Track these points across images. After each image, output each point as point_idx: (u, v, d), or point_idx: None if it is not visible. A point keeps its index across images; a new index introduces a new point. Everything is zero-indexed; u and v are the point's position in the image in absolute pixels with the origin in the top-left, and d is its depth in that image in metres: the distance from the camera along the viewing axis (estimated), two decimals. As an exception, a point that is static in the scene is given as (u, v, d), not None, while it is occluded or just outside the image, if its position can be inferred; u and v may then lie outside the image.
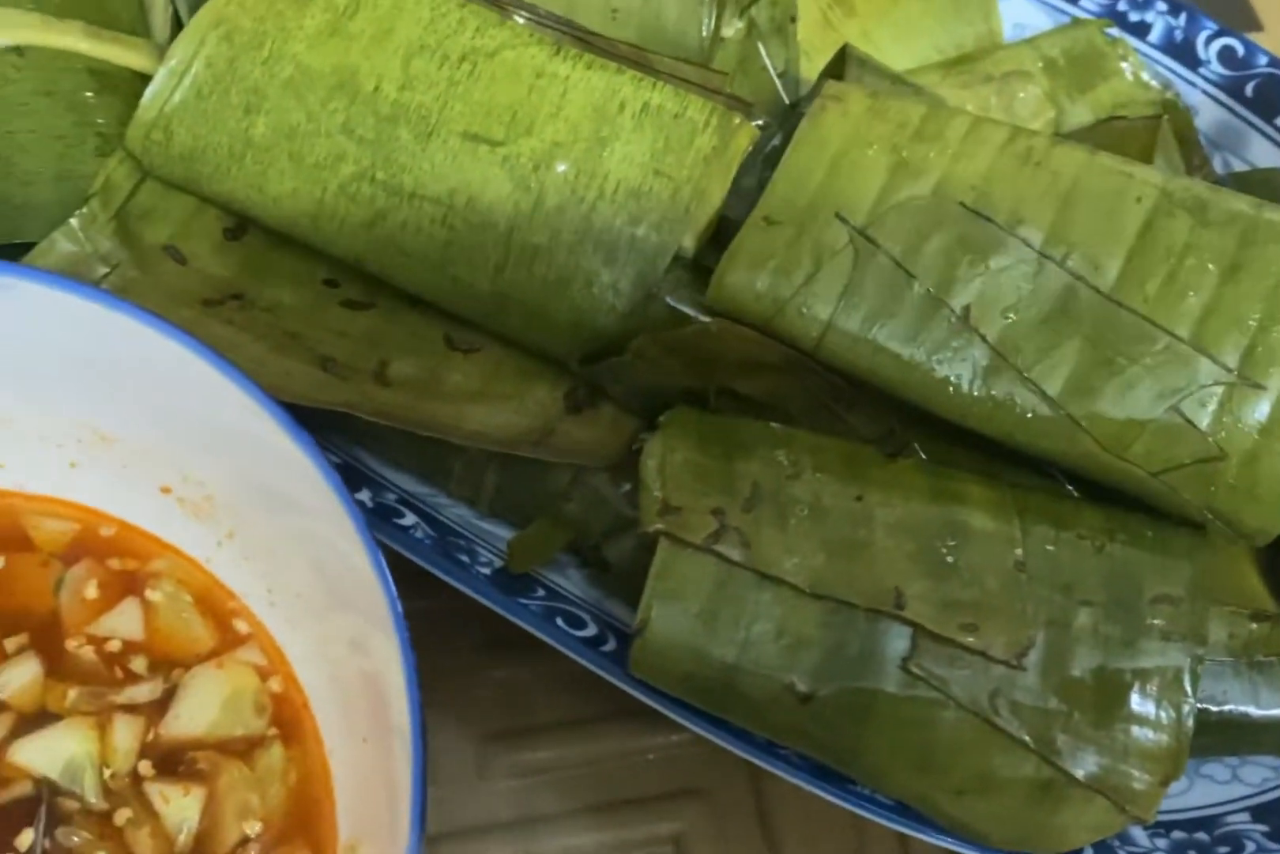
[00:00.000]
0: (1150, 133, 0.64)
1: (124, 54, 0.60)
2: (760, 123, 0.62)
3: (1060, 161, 0.53)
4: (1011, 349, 0.51)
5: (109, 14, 0.61)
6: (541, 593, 0.54)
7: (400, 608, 0.42)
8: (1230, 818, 0.52)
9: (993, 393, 0.51)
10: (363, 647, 0.47)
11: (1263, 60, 0.70)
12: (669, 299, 0.54)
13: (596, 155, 0.55)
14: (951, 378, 0.51)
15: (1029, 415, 0.51)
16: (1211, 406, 0.49)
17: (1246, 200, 0.52)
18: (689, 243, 0.55)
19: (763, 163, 0.59)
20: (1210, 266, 0.51)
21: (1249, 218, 0.52)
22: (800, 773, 0.50)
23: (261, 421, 0.45)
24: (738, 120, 0.56)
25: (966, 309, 0.51)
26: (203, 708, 0.52)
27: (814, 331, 0.52)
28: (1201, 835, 0.51)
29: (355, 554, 0.44)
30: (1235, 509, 0.50)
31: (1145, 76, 0.69)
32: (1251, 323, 0.50)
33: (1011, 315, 0.51)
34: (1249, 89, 0.69)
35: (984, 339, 0.51)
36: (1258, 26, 0.85)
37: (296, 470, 0.45)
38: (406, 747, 0.42)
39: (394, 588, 0.43)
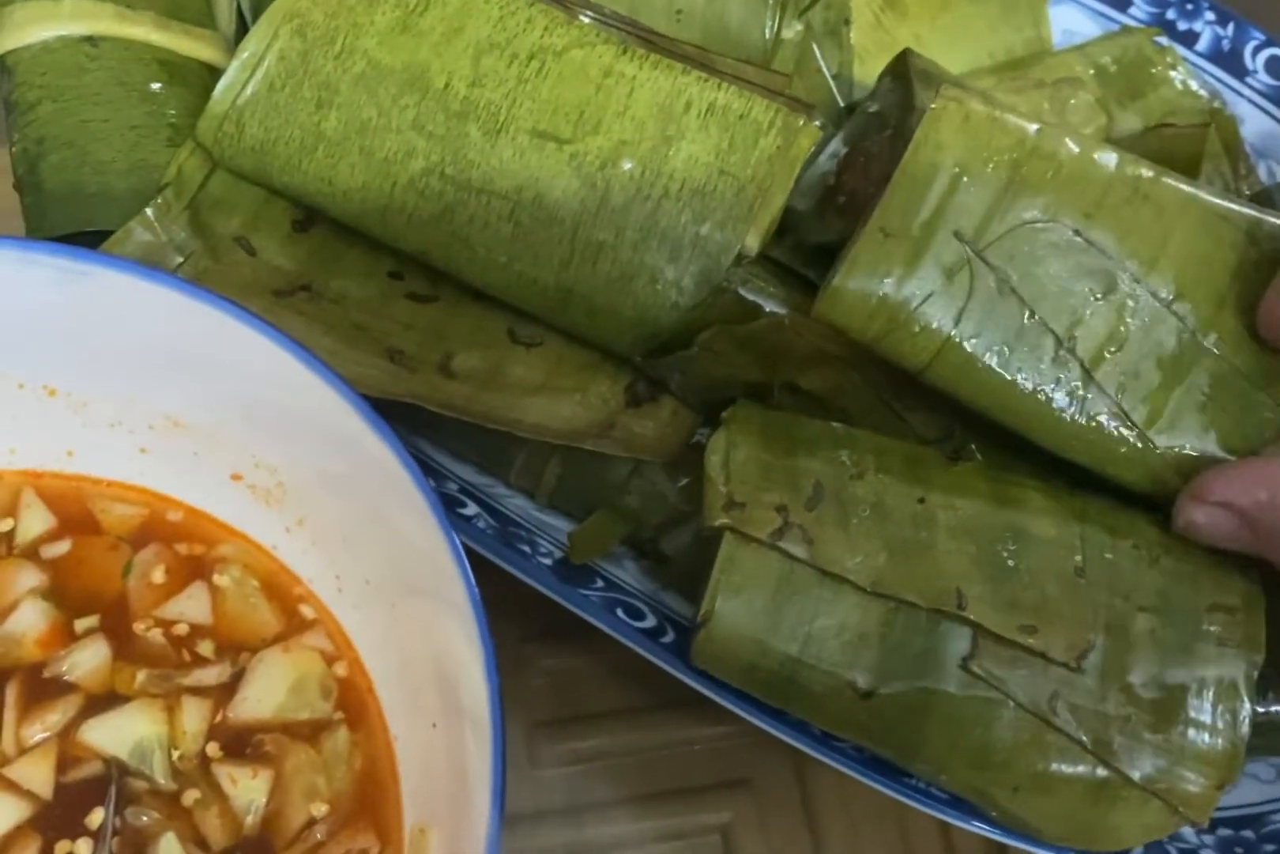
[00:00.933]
0: (1198, 141, 0.65)
1: (193, 45, 0.60)
2: (819, 123, 0.63)
3: (1164, 195, 0.53)
4: (1114, 384, 0.52)
5: (177, 5, 0.62)
6: (601, 584, 0.55)
7: (478, 594, 0.43)
8: (1275, 817, 0.53)
9: (1092, 425, 0.52)
10: (434, 632, 0.48)
11: (1309, 70, 0.71)
12: (742, 291, 0.54)
13: (662, 154, 0.56)
14: (1056, 409, 0.52)
15: (1123, 449, 0.52)
16: None
17: None
18: (752, 241, 0.56)
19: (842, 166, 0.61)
20: None
21: None
22: (856, 765, 0.51)
23: (341, 411, 0.46)
24: (802, 122, 0.57)
25: (1074, 340, 0.52)
26: (269, 691, 0.52)
27: (927, 353, 0.52)
28: (1248, 833, 0.52)
29: (430, 541, 0.44)
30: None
31: (1194, 85, 0.70)
32: None
33: (1114, 350, 0.52)
34: (1295, 97, 0.70)
35: (1089, 372, 0.51)
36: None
37: (373, 459, 0.46)
38: (483, 732, 0.42)
39: (471, 574, 0.43)
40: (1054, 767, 0.49)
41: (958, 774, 0.49)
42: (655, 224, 0.55)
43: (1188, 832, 0.51)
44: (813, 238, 0.59)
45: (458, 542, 0.44)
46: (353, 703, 0.53)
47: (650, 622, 0.54)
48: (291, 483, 0.53)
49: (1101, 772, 0.48)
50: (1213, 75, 0.72)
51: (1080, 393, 0.51)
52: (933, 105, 0.53)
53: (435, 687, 0.49)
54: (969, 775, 0.49)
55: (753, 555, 0.51)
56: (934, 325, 0.52)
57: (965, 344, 0.52)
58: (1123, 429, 0.51)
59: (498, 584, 0.55)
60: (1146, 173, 0.54)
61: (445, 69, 0.56)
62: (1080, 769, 0.48)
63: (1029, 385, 0.52)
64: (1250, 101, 0.71)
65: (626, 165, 0.56)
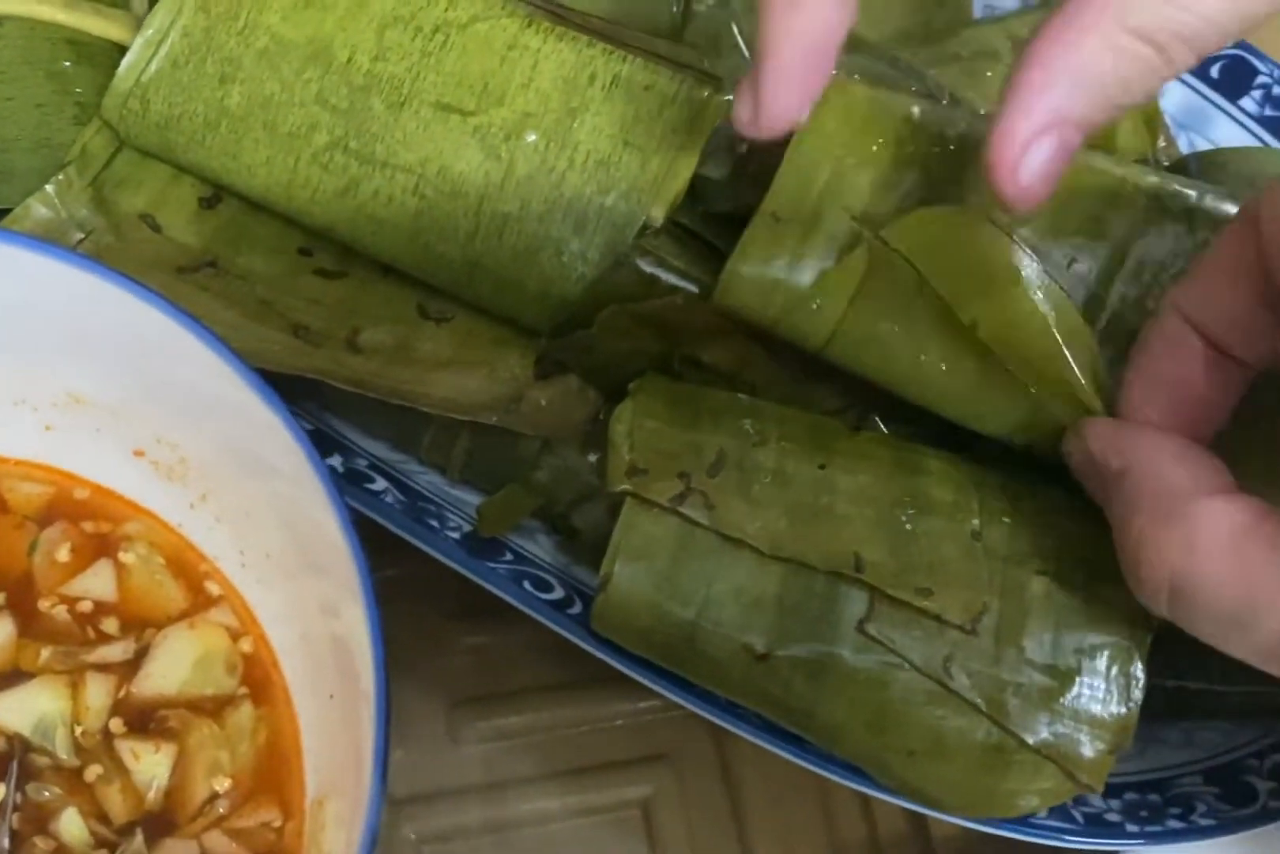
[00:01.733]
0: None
1: (102, 25, 0.60)
2: (729, 96, 0.63)
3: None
4: None
5: (87, -15, 0.61)
6: (510, 557, 0.55)
7: (368, 570, 0.43)
8: (1183, 780, 0.53)
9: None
10: (332, 608, 0.48)
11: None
12: (640, 263, 0.54)
13: (566, 126, 0.56)
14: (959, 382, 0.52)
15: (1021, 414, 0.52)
16: None
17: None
18: (658, 212, 0.56)
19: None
20: None
21: None
22: (760, 732, 0.51)
23: (234, 386, 0.46)
24: (707, 93, 0.57)
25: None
26: (174, 667, 0.52)
27: (824, 331, 0.52)
28: (1154, 797, 0.52)
29: (325, 518, 0.44)
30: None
31: (1113, 56, 0.70)
32: None
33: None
34: (1214, 70, 0.70)
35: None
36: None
37: (269, 434, 0.46)
38: (370, 707, 0.42)
39: (362, 551, 0.43)
40: (949, 729, 0.48)
41: (854, 739, 0.49)
42: (560, 196, 0.55)
43: (1095, 796, 0.51)
44: (724, 205, 0.58)
45: (348, 516, 0.44)
46: (257, 678, 0.53)
47: (558, 594, 0.54)
48: (194, 458, 0.53)
49: (996, 735, 0.48)
50: (1134, 48, 0.72)
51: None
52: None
53: (334, 660, 0.49)
54: (865, 739, 0.49)
55: (653, 520, 0.51)
56: (830, 304, 0.52)
57: (862, 321, 0.52)
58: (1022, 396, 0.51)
59: (419, 563, 0.55)
60: None
61: (349, 43, 0.56)
62: (976, 733, 0.48)
63: (934, 360, 0.52)
64: (1171, 73, 0.71)
65: (531, 137, 0.56)
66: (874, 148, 0.53)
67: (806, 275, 0.52)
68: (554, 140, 0.56)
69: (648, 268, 0.54)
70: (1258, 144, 0.69)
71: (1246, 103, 0.70)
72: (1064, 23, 0.41)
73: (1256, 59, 0.70)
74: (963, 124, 0.53)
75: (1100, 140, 0.66)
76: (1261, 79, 0.70)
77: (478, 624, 0.65)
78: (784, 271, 0.52)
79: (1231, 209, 0.52)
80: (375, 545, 0.54)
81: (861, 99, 0.53)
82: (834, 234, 0.52)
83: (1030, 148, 0.41)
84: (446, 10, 0.57)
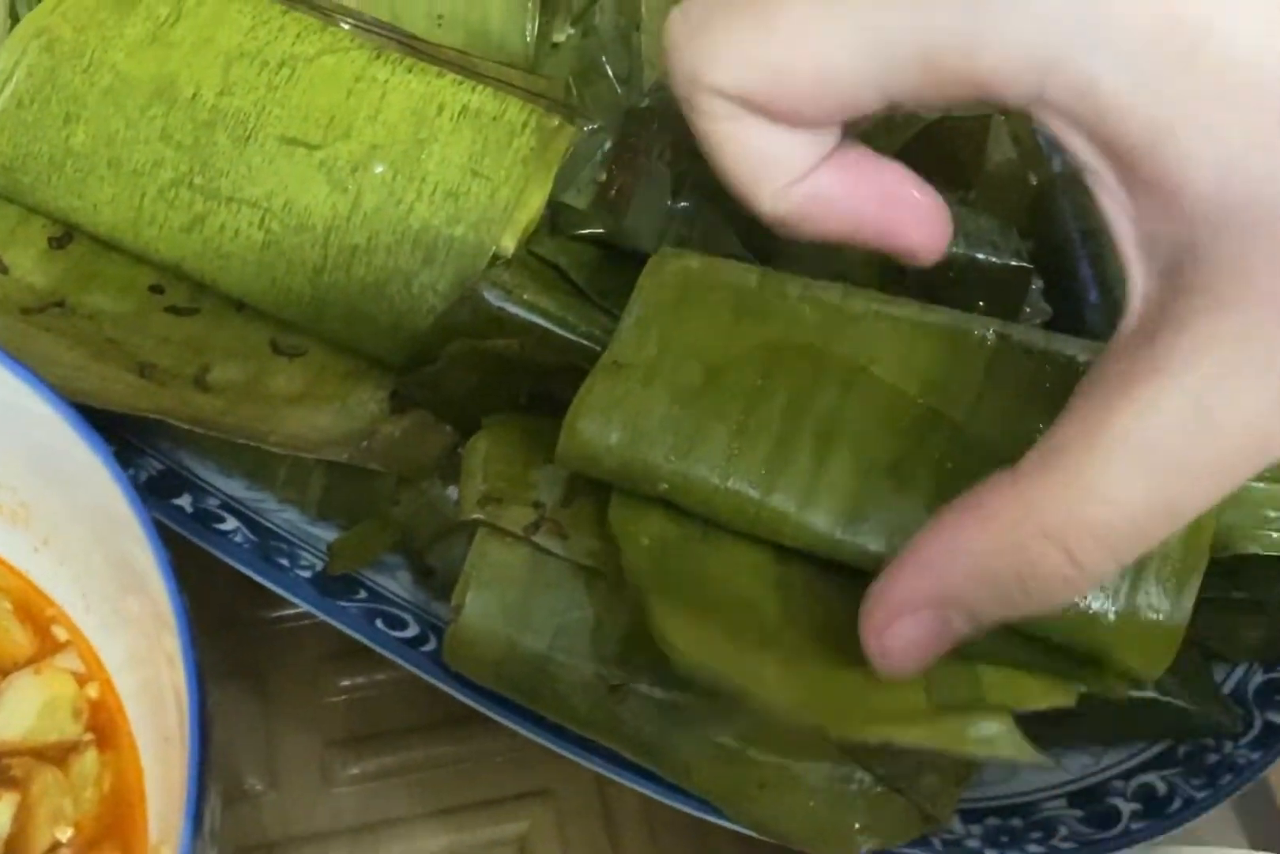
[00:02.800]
0: (982, 133, 0.65)
1: (-48, 66, 0.59)
2: (595, 126, 0.63)
3: (899, 310, 0.51)
4: (868, 488, 0.48)
5: (-60, 27, 0.61)
6: (363, 595, 0.54)
7: (184, 608, 0.42)
8: (1047, 804, 0.53)
9: (855, 539, 0.47)
10: (165, 650, 0.47)
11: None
12: (487, 296, 0.54)
13: (414, 157, 0.55)
14: (810, 522, 0.48)
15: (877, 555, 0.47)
16: None
17: (1080, 344, 0.51)
18: (508, 242, 0.55)
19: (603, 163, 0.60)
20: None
21: (1086, 361, 0.50)
22: (614, 768, 0.50)
23: (55, 425, 0.45)
24: (556, 122, 0.56)
25: (823, 447, 0.49)
26: (19, 714, 0.51)
27: (664, 482, 0.48)
28: (1016, 821, 0.52)
29: (145, 558, 0.44)
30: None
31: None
32: None
33: (869, 451, 0.49)
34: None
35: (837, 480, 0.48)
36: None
37: (93, 476, 0.45)
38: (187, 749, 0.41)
39: (177, 588, 0.42)
40: (800, 760, 0.48)
41: (705, 772, 0.49)
42: (408, 227, 0.55)
43: (955, 822, 0.50)
44: (582, 230, 0.58)
45: (165, 554, 0.43)
46: (103, 724, 0.52)
47: (412, 631, 0.53)
48: (34, 502, 0.52)
49: (845, 768, 0.47)
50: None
51: (838, 503, 0.48)
52: (651, 259, 0.52)
53: (173, 703, 0.48)
54: (716, 772, 0.48)
55: (506, 549, 0.51)
56: (672, 453, 0.48)
57: (702, 467, 0.48)
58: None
59: (293, 604, 0.54)
60: (876, 295, 0.52)
61: (194, 79, 0.56)
62: (824, 766, 0.48)
63: (784, 504, 0.48)
64: (1045, 94, 0.71)
65: (378, 169, 0.55)
66: (714, 297, 0.51)
67: (649, 422, 0.49)
68: (402, 172, 0.55)
69: (495, 302, 0.53)
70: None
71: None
72: (974, 501, 0.37)
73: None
74: (800, 285, 0.52)
75: (970, 163, 0.65)
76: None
77: (354, 665, 0.64)
78: (625, 420, 0.49)
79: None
80: (247, 587, 0.54)
81: (696, 261, 0.52)
82: (677, 378, 0.49)
83: (900, 621, 0.38)
84: (293, 44, 0.57)
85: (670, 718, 0.49)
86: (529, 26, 0.60)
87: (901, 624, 0.38)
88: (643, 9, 0.69)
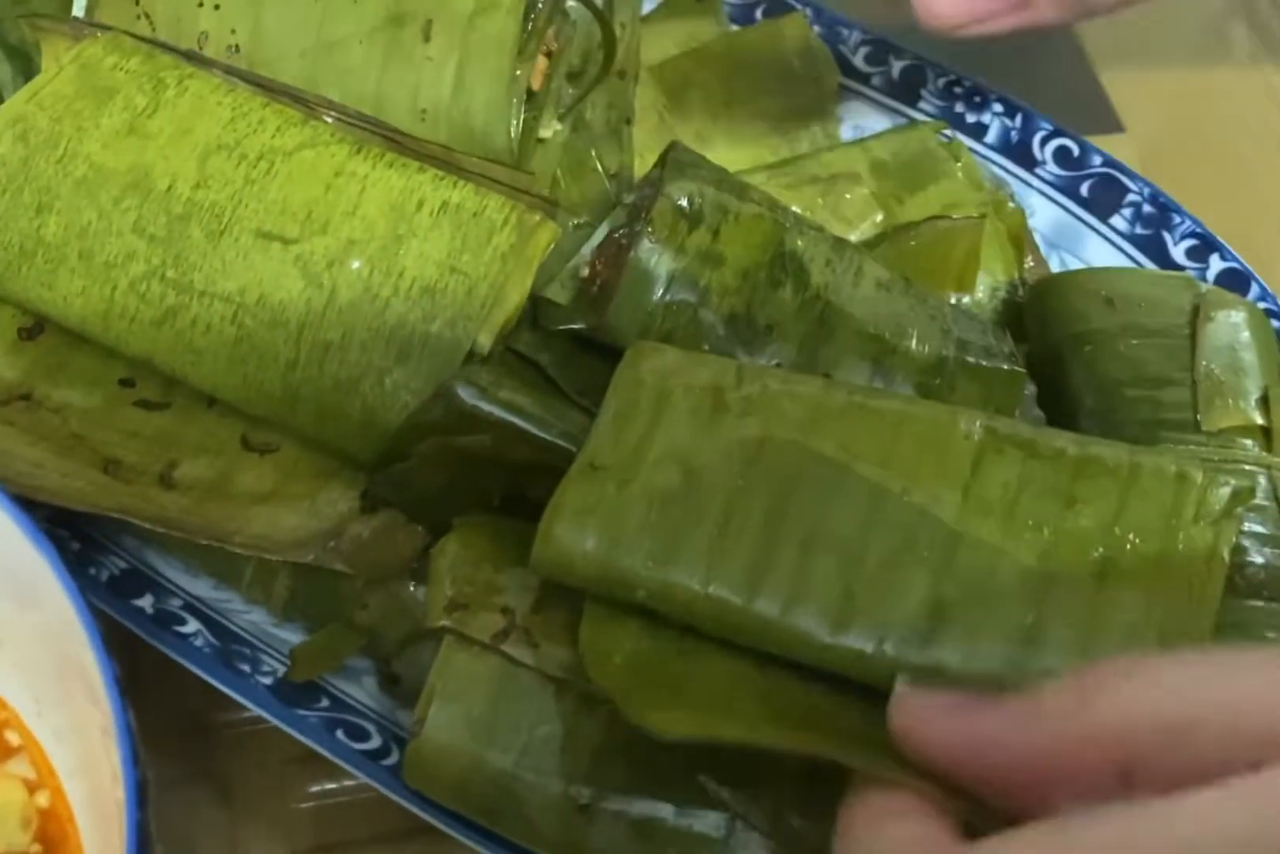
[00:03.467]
0: (975, 232, 0.64)
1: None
2: (580, 221, 0.62)
3: (882, 403, 0.50)
4: (855, 590, 0.47)
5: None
6: (326, 703, 0.53)
7: (127, 720, 0.41)
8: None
9: (844, 643, 0.46)
10: (110, 764, 0.45)
11: (1097, 160, 0.70)
12: (461, 393, 0.52)
13: (392, 253, 0.54)
14: (796, 627, 0.46)
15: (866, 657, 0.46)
16: None
17: (1069, 437, 0.50)
18: (485, 339, 0.54)
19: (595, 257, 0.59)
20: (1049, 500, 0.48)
21: (1076, 453, 0.49)
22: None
23: (6, 527, 0.44)
24: (538, 218, 0.55)
25: (807, 549, 0.47)
26: (-33, 823, 0.49)
27: (642, 589, 0.47)
28: None
29: (92, 668, 0.42)
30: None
31: (980, 177, 0.69)
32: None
33: (854, 552, 0.47)
34: (1084, 189, 0.69)
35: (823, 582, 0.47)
36: (1119, 128, 0.86)
37: (41, 579, 0.44)
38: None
39: (121, 705, 0.41)
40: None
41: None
42: (384, 324, 0.54)
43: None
44: (562, 325, 0.57)
45: (112, 672, 0.42)
46: (53, 834, 0.50)
47: (374, 742, 0.51)
48: (-14, 602, 0.50)
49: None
50: (1003, 167, 0.71)
51: (824, 608, 0.46)
52: (626, 354, 0.52)
53: (116, 820, 0.46)
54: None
55: (473, 660, 0.49)
56: (651, 558, 0.47)
57: (684, 572, 0.47)
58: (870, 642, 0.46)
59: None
60: (858, 388, 0.52)
61: (170, 171, 0.55)
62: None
63: (768, 609, 0.46)
64: (1041, 192, 0.70)
65: (355, 264, 0.54)
66: (691, 397, 0.50)
67: (626, 527, 0.47)
68: (378, 267, 0.54)
69: (469, 400, 0.52)
70: (1128, 263, 0.68)
71: (1117, 221, 0.69)
72: None
73: (1126, 177, 0.69)
74: (780, 377, 0.52)
75: (964, 265, 0.65)
76: (1131, 197, 0.69)
77: (322, 768, 0.61)
78: (601, 524, 0.48)
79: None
80: (214, 689, 0.52)
81: (673, 355, 0.52)
82: (653, 480, 0.48)
83: None
84: (273, 137, 0.56)
85: (644, 841, 0.47)
86: (513, 122, 0.59)
87: None
88: (635, 105, 0.69)
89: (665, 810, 0.47)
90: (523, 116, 0.59)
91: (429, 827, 0.59)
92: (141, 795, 0.40)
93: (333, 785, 0.62)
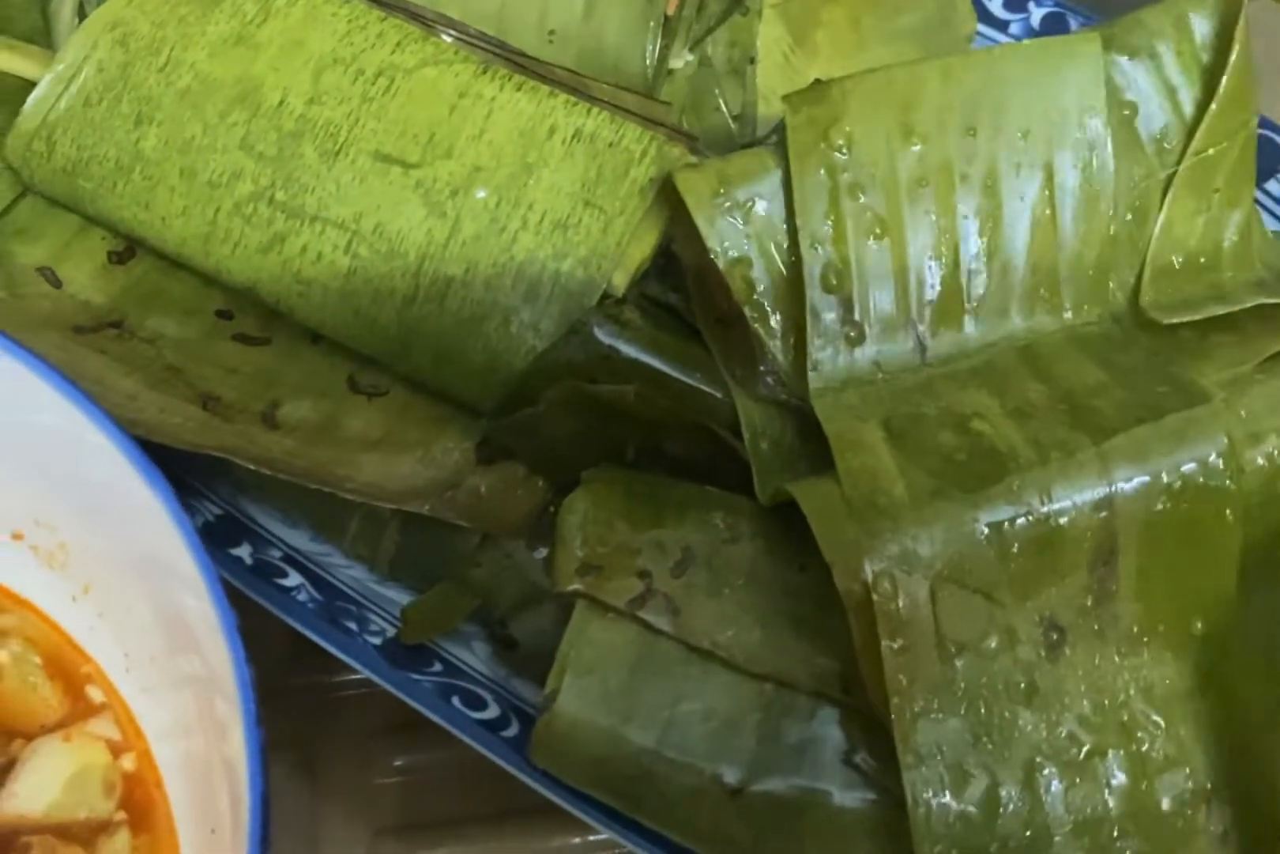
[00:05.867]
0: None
1: (16, 61, 0.54)
2: (716, 158, 0.57)
3: None
4: None
5: (4, 19, 0.56)
6: (438, 667, 0.48)
7: (250, 680, 0.36)
8: None
9: None
10: (220, 727, 0.40)
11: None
12: (598, 332, 0.48)
13: (521, 182, 0.50)
14: None
15: None
16: None
17: None
18: (620, 280, 0.49)
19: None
20: None
21: None
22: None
23: (110, 459, 0.39)
24: (679, 152, 0.51)
25: None
26: (43, 786, 0.45)
27: None
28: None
29: (205, 619, 0.38)
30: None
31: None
32: None
33: None
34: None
35: None
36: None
37: (147, 516, 0.39)
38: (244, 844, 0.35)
39: (245, 656, 0.36)
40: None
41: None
42: (511, 259, 0.49)
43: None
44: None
45: (231, 616, 0.37)
46: (138, 802, 0.46)
47: (491, 712, 0.47)
48: (74, 544, 0.46)
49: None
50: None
51: None
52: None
53: (224, 784, 0.42)
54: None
55: (608, 627, 0.45)
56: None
57: None
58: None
59: (349, 669, 0.48)
60: None
61: (281, 84, 0.51)
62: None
63: None
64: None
65: (480, 194, 0.50)
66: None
67: None
68: (506, 198, 0.50)
69: (605, 338, 0.48)
70: (1280, 229, 0.64)
71: (1273, 186, 0.64)
72: None
73: (1280, 138, 0.64)
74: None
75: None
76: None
77: (409, 741, 0.58)
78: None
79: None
80: (299, 648, 0.48)
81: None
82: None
83: None
84: (392, 53, 0.51)
85: (797, 828, 0.43)
86: (649, 48, 0.55)
87: None
88: (757, 41, 0.64)
89: (822, 793, 0.43)
90: (659, 43, 0.55)
91: (526, 809, 0.55)
92: (264, 762, 0.36)
93: (419, 760, 0.58)
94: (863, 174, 0.48)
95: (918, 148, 0.49)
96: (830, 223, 0.48)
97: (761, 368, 0.49)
